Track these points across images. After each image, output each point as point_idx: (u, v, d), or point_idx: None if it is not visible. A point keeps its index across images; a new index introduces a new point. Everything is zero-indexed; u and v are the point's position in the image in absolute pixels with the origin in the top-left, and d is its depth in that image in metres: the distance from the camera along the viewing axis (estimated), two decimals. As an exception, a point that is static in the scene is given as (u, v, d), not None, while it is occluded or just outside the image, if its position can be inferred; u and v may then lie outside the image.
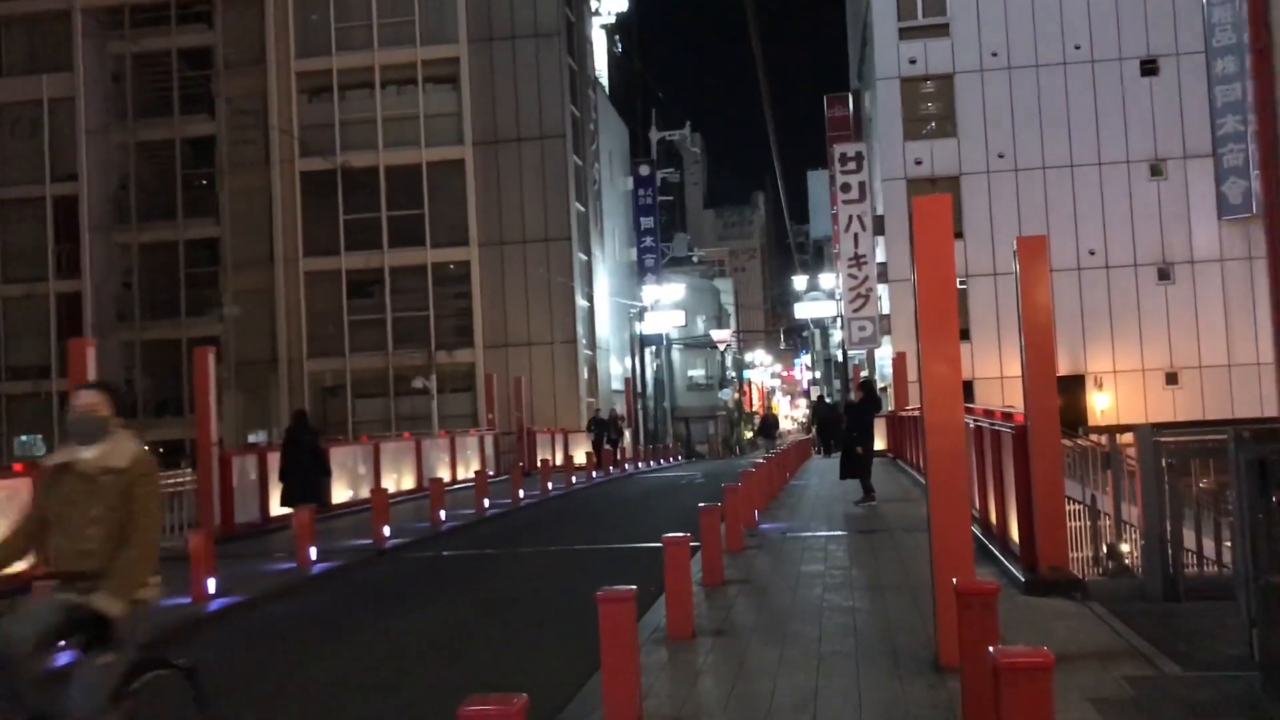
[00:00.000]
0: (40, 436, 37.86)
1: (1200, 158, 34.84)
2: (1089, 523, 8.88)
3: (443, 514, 16.24)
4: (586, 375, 38.34)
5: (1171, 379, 34.90)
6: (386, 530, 14.37)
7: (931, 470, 6.81)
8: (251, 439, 36.22)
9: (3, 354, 38.38)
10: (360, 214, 37.28)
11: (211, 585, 10.37)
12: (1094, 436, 10.58)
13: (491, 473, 26.00)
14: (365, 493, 19.59)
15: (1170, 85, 35.13)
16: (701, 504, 9.98)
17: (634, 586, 5.73)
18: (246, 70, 37.94)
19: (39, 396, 37.84)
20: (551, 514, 18.67)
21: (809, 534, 12.56)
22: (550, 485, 22.24)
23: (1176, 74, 35.06)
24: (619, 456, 30.41)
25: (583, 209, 39.31)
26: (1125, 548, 8.47)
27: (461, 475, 24.48)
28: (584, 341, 38.04)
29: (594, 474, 26.66)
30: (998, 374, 35.48)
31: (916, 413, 22.00)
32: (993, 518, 10.47)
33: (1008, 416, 9.67)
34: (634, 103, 58.47)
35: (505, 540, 15.17)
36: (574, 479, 24.19)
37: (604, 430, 30.38)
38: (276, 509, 16.66)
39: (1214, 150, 34.68)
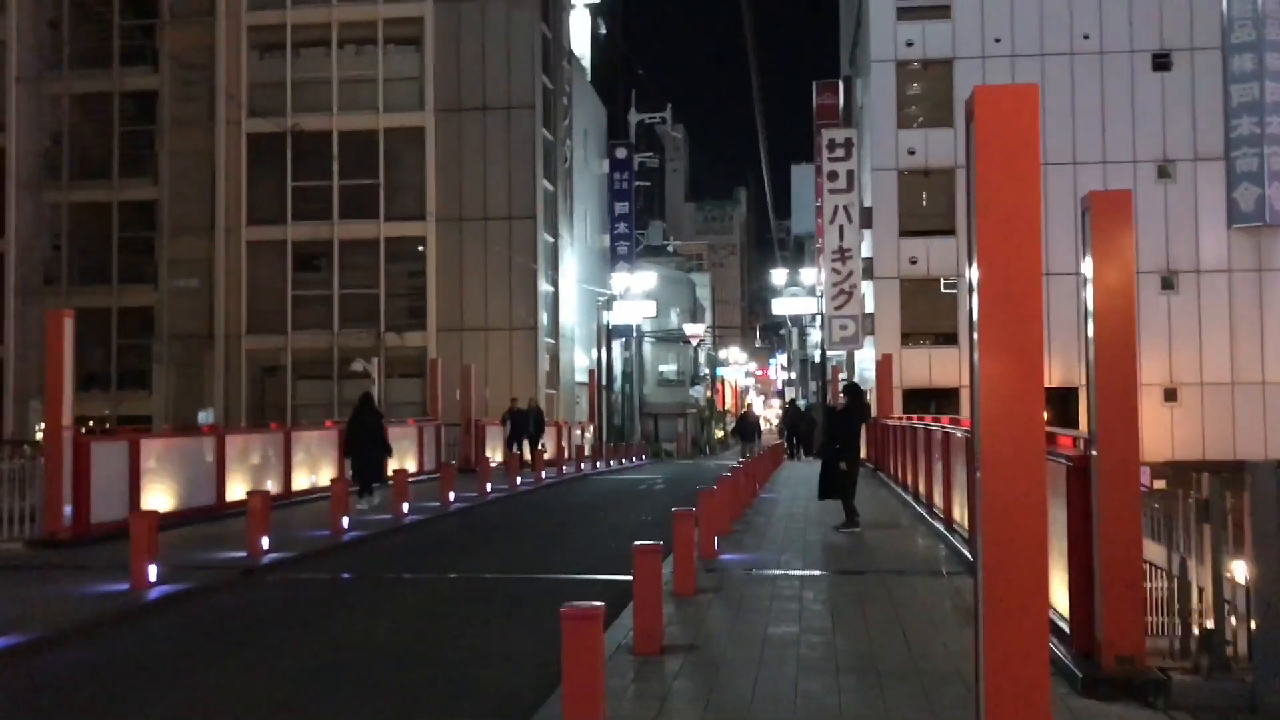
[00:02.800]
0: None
1: (1211, 161, 32.59)
2: (1172, 597, 6.40)
3: (345, 520, 13.64)
4: (547, 365, 35.74)
5: (1170, 395, 32.64)
6: (265, 542, 11.77)
7: (988, 532, 4.32)
8: (202, 417, 33.45)
9: (-85, 316, 35.38)
10: (310, 181, 34.53)
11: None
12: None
13: (429, 469, 23.47)
14: (275, 488, 17.01)
15: (1183, 82, 32.85)
16: (649, 518, 7.44)
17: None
18: (194, 21, 35.05)
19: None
20: (478, 524, 16.09)
21: (779, 572, 10.04)
22: (489, 487, 19.66)
23: (1190, 70, 32.79)
24: (539, 457, 25.79)
25: (551, 187, 36.68)
26: (1227, 634, 6.00)
27: (395, 470, 21.84)
28: (546, 329, 35.43)
29: (543, 474, 24.02)
30: (986, 382, 33.13)
31: (903, 421, 19.62)
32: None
33: (1051, 439, 7.19)
34: (615, 88, 55.84)
35: (408, 558, 12.58)
36: (518, 479, 21.60)
37: (523, 424, 26.63)
38: (151, 507, 14.03)
39: (1227, 153, 32.44)
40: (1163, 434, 31.48)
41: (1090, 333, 6.23)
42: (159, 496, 14.37)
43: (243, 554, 11.67)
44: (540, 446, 26.72)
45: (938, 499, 13.68)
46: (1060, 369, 32.77)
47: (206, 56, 34.82)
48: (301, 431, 19.54)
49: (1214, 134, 32.53)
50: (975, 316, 4.41)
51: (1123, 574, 5.84)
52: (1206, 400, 32.22)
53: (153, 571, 9.81)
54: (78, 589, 9.76)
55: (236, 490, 15.87)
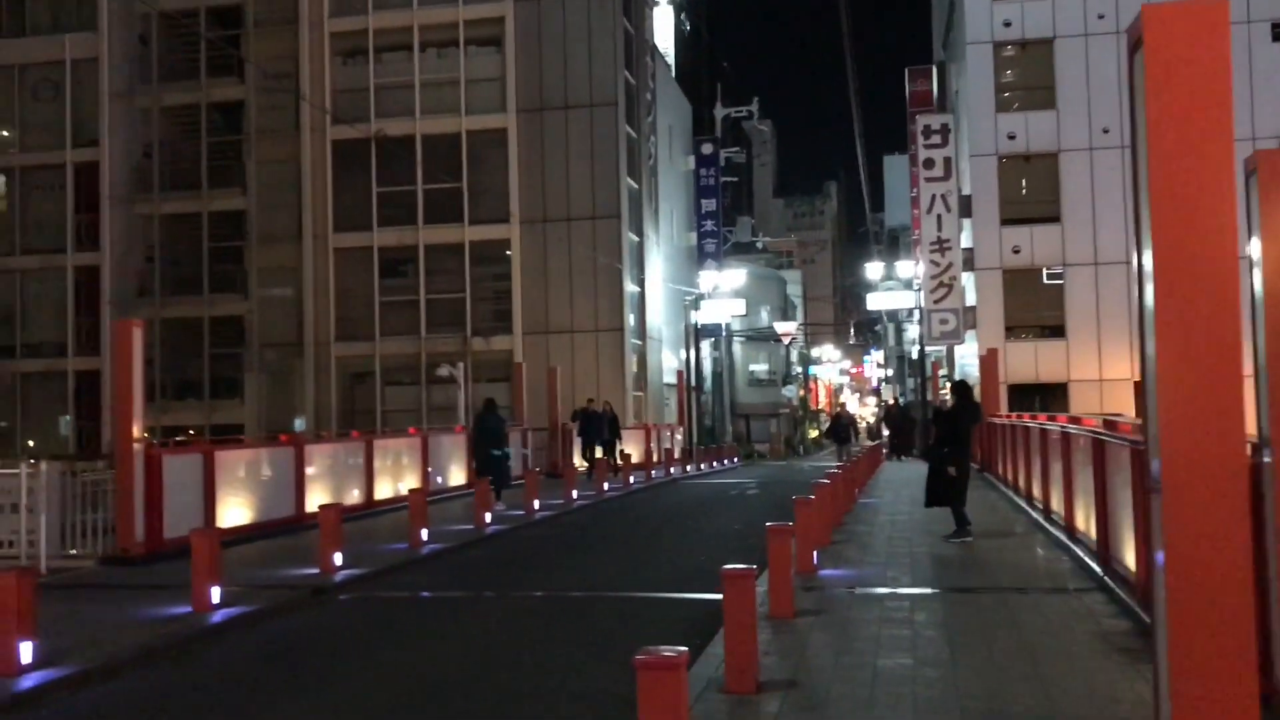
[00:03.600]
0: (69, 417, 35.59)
1: (1341, 134, 30.48)
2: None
3: (424, 533, 13.05)
4: (635, 367, 35.03)
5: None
6: (339, 558, 11.21)
7: (1173, 569, 3.39)
8: (297, 425, 33.58)
9: (18, 330, 36.10)
10: (394, 186, 34.38)
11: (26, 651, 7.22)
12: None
13: (515, 475, 22.87)
14: (358, 498, 16.58)
15: (1306, 51, 30.81)
16: (741, 526, 6.62)
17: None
18: (277, 30, 35.19)
19: (55, 375, 35.60)
20: (562, 534, 15.39)
21: (886, 590, 9.11)
22: (575, 494, 18.98)
23: (1313, 38, 30.72)
24: (617, 462, 24.38)
25: (635, 185, 35.99)
26: None
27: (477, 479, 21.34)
28: (632, 330, 34.72)
29: (631, 479, 23.24)
30: (1097, 376, 31.55)
31: (1012, 420, 18.41)
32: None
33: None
34: (700, 83, 54.98)
35: (487, 573, 11.92)
36: (605, 485, 20.88)
37: (596, 427, 25.30)
38: (228, 521, 13.65)
39: (1356, 126, 30.30)
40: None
41: (1261, 320, 5.21)
42: (236, 510, 13.97)
43: (316, 570, 11.13)
44: (617, 451, 25.51)
45: (1055, 504, 12.58)
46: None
47: (290, 65, 34.90)
48: (384, 440, 19.07)
49: (1341, 106, 30.45)
50: (1149, 301, 3.49)
51: None
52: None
53: (215, 593, 9.27)
54: (137, 611, 9.26)
55: (317, 501, 15.41)
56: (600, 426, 25.36)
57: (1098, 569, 9.15)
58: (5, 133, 36.50)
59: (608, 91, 33.86)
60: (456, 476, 21.05)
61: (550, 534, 15.29)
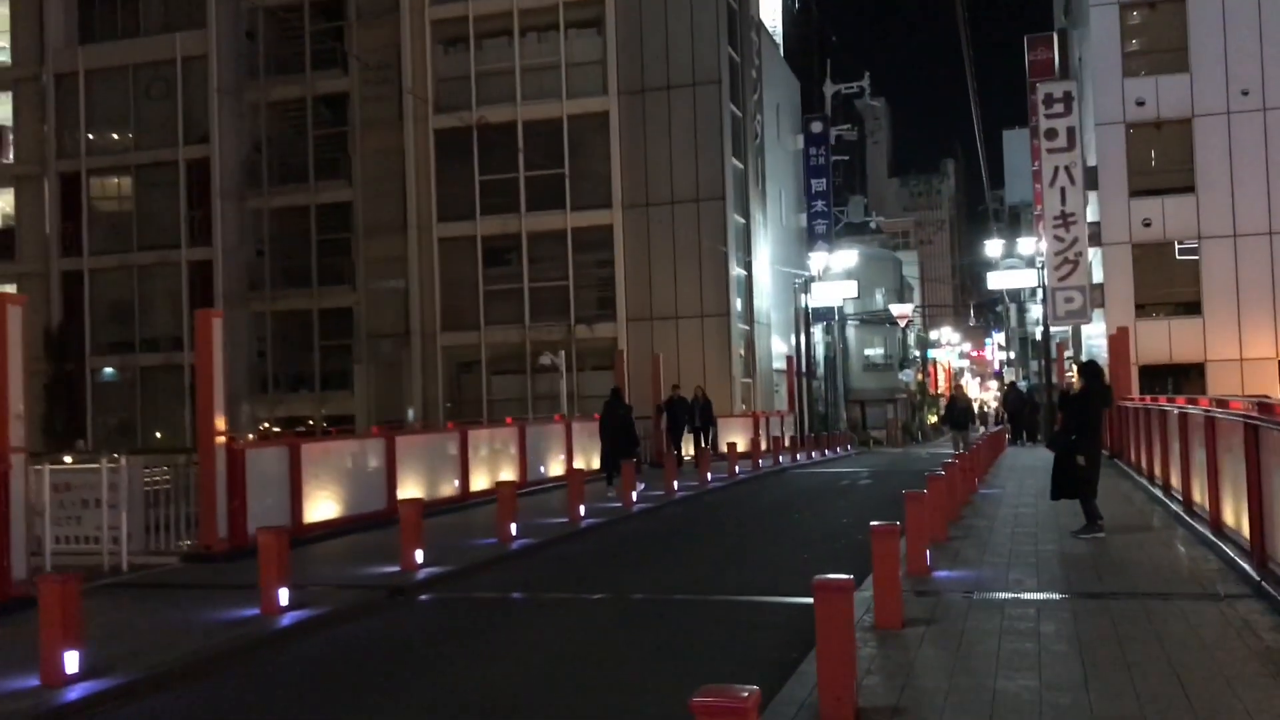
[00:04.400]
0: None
1: None
2: None
3: (513, 527, 12.47)
4: (742, 352, 34.12)
5: None
6: (420, 555, 10.69)
7: None
8: (410, 415, 33.73)
9: (136, 324, 36.96)
10: (496, 175, 34.09)
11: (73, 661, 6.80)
12: None
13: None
14: (454, 489, 16.14)
15: None
16: (849, 520, 5.83)
17: None
18: (379, 21, 35.19)
19: (173, 368, 36.32)
20: (658, 529, 14.67)
21: (1008, 596, 8.14)
22: (676, 485, 18.26)
23: None
24: (704, 454, 21.70)
25: (741, 166, 35.02)
26: None
27: (573, 470, 20.80)
28: (739, 314, 33.80)
29: (736, 469, 22.38)
30: (1236, 355, 29.52)
31: (1148, 403, 17.01)
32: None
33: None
34: (809, 59, 53.52)
35: (577, 571, 11.26)
36: (708, 476, 20.10)
37: (684, 415, 23.88)
38: (316, 516, 13.31)
39: None
40: None
41: None
42: (324, 504, 13.62)
43: (397, 569, 10.64)
44: (708, 441, 24.22)
45: (1198, 496, 11.37)
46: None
47: (393, 55, 34.87)
48: (480, 430, 18.63)
49: None
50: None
51: None
52: None
53: (284, 595, 8.80)
54: (207, 614, 8.85)
55: (410, 495, 15.01)
56: (690, 414, 24.12)
57: (1252, 571, 8.04)
58: (117, 135, 37.33)
59: (710, 70, 32.95)
60: (556, 468, 20.54)
61: (646, 529, 14.59)
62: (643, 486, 17.26)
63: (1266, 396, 25.33)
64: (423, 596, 9.88)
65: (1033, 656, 6.36)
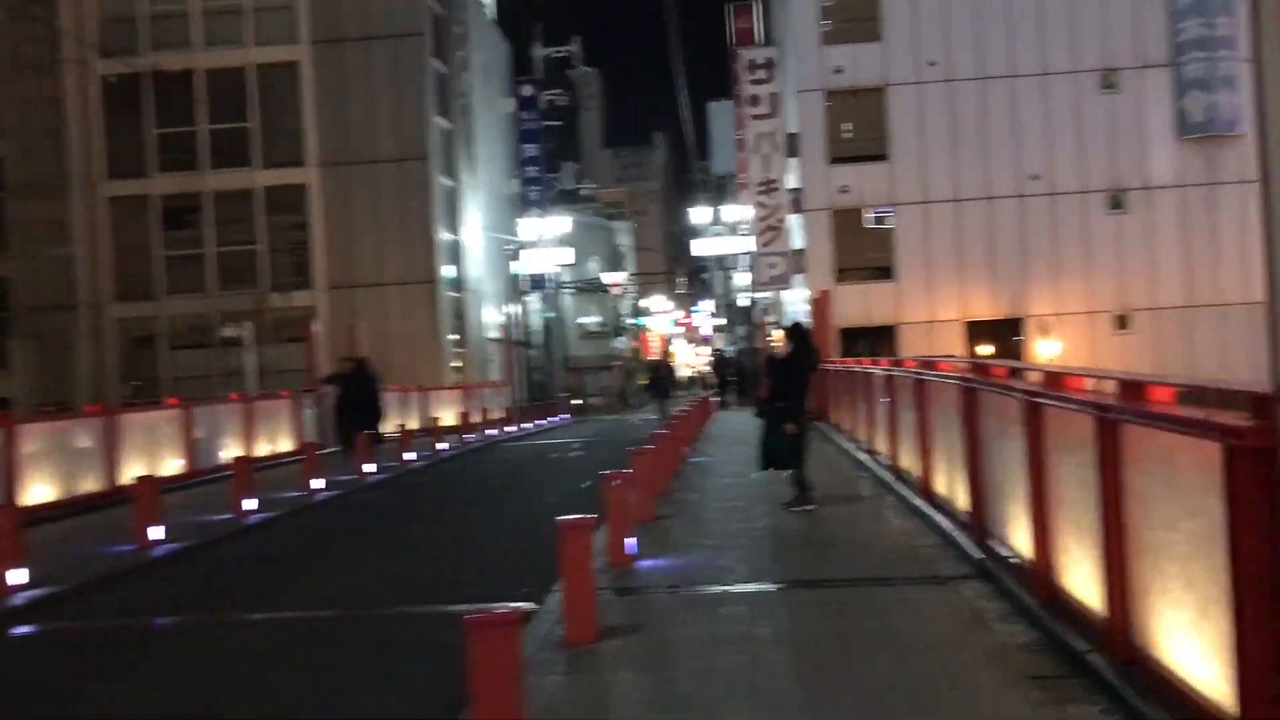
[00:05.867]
0: None
1: (1159, 68, 30.28)
2: None
3: (156, 531, 10.54)
4: (453, 321, 32.58)
5: (1122, 322, 30.49)
6: (16, 577, 8.63)
7: None
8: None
9: None
10: (174, 128, 30.82)
11: None
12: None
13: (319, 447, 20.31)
14: (91, 485, 13.86)
15: (1124, -18, 30.34)
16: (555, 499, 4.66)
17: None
18: (28, -51, 30.92)
19: None
20: (337, 523, 13.11)
21: (718, 589, 7.23)
22: (375, 467, 16.66)
23: (1132, -31, 30.28)
24: (362, 440, 16.87)
25: (449, 125, 33.33)
26: None
27: (269, 451, 18.82)
28: (449, 282, 32.22)
29: (440, 446, 20.87)
30: (926, 317, 30.73)
31: (859, 365, 16.86)
32: (1083, 586, 5.26)
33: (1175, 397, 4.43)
34: (520, 26, 52.19)
35: (222, 584, 9.55)
36: (406, 455, 18.53)
37: (357, 392, 18.57)
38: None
39: (1173, 59, 30.13)
40: (1114, 365, 29.31)
41: None
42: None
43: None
44: (375, 423, 18.62)
45: (908, 462, 11.03)
46: (1006, 301, 30.50)
47: (47, -12, 30.76)
48: (136, 414, 16.26)
49: (1159, 39, 30.19)
50: None
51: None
52: (1161, 326, 30.09)
53: None
54: None
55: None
56: (361, 389, 18.76)
57: (971, 548, 7.51)
58: None
59: (412, 21, 31.00)
60: (285, 443, 18.71)
61: (320, 524, 12.94)
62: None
63: (952, 356, 26.31)
64: (18, 630, 7.94)
65: (747, 672, 5.40)
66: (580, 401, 47.73)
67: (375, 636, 7.29)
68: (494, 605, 6.95)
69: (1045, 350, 30.11)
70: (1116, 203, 30.44)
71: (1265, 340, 29.61)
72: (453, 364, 32.35)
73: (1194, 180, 30.21)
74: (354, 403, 18.42)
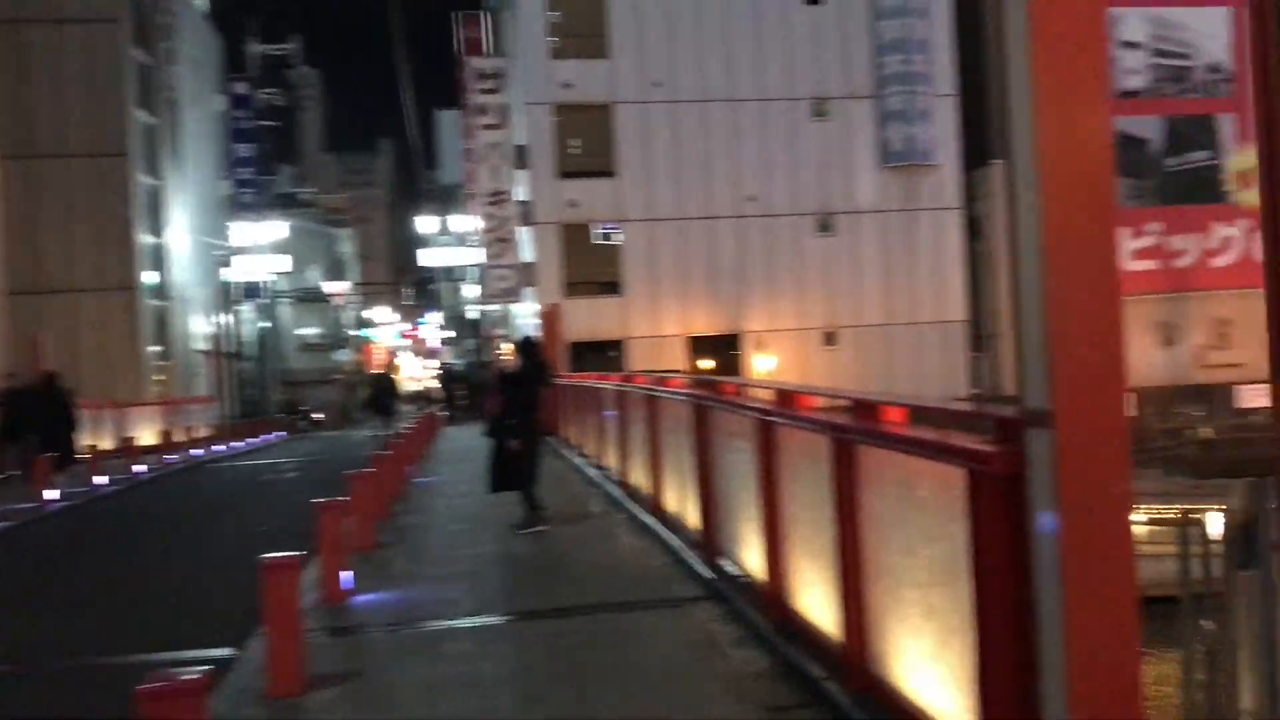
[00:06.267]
0: None
1: (865, 99, 32.17)
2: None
3: None
4: (155, 331, 30.22)
5: (829, 338, 32.12)
6: None
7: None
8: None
9: None
10: None
11: None
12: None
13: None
14: None
15: (834, 14, 32.09)
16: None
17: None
18: None
19: None
20: (14, 558, 11.66)
21: (443, 625, 6.73)
22: (57, 494, 14.98)
23: (840, 4, 32.04)
24: (41, 464, 15.25)
25: (153, 120, 30.96)
26: None
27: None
28: (150, 289, 29.87)
29: (137, 468, 19.15)
30: (652, 332, 31.28)
31: (591, 381, 16.73)
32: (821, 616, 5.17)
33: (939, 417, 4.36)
34: (235, 23, 49.32)
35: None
36: (96, 480, 16.86)
37: (30, 411, 16.95)
38: None
39: (877, 91, 32.11)
40: (824, 378, 30.83)
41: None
42: None
43: None
44: (69, 445, 17.25)
45: (638, 479, 10.90)
46: (725, 318, 31.44)
47: None
48: None
49: (865, 72, 32.10)
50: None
51: (1115, 680, 3.01)
52: (864, 342, 31.91)
53: None
54: None
55: None
56: (34, 408, 17.10)
57: (702, 568, 7.37)
58: None
59: (106, 5, 28.57)
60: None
61: None
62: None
63: (675, 371, 26.79)
64: None
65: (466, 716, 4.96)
66: (298, 417, 45.56)
67: (45, 697, 6.32)
68: (185, 653, 6.21)
69: (761, 364, 31.29)
70: (825, 225, 32.07)
71: (961, 355, 32.03)
72: (155, 378, 30.03)
73: (894, 206, 32.25)
74: (39, 422, 16.82)
